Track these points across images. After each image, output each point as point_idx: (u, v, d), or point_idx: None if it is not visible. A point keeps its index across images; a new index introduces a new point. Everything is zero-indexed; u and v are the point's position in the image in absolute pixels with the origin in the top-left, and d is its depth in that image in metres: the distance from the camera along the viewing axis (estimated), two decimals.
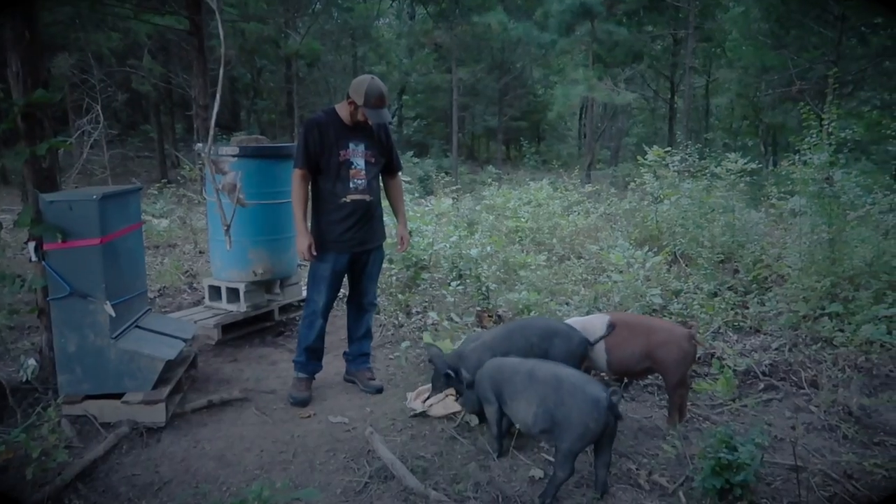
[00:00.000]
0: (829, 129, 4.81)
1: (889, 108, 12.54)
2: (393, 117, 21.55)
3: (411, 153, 18.21)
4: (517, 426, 2.85)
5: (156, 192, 10.42)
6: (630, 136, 25.23)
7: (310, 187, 3.46)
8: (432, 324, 4.63)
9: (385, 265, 4.55)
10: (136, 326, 3.51)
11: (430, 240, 5.64)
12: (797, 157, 5.03)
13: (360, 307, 3.75)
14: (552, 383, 2.59)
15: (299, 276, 4.82)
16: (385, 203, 3.79)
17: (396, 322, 4.85)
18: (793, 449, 2.68)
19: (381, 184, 3.69)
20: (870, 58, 12.85)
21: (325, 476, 2.81)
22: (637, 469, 2.81)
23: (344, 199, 3.40)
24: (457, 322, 4.47)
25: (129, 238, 3.53)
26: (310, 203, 3.49)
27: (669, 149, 7.47)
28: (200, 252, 7.28)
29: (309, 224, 3.48)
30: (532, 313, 4.42)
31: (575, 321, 3.34)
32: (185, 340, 3.64)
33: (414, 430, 3.21)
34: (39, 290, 3.43)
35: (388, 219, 3.97)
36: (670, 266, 5.73)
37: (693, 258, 5.72)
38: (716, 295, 4.93)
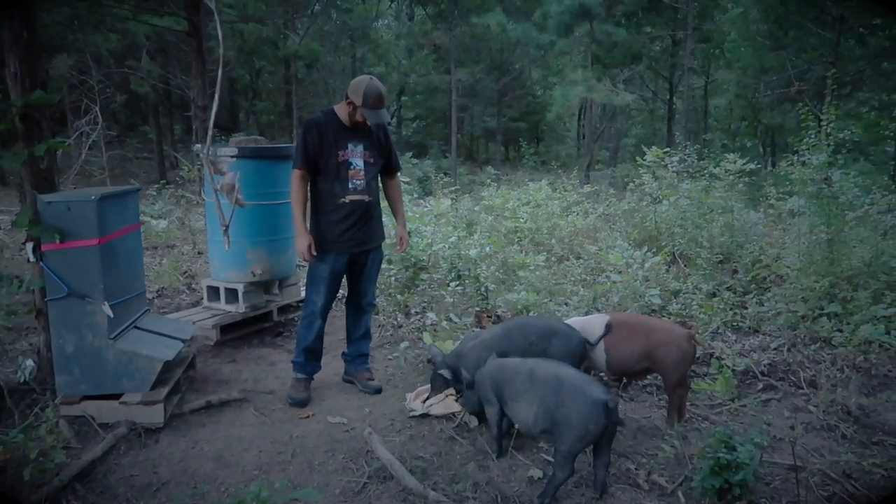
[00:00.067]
0: (828, 130, 4.81)
1: (887, 109, 12.54)
2: (392, 118, 21.66)
3: (410, 154, 18.23)
4: (517, 426, 2.85)
5: (154, 193, 10.42)
6: (629, 136, 25.25)
7: (309, 188, 3.46)
8: (431, 324, 4.63)
9: (384, 266, 4.55)
10: (135, 327, 3.51)
11: (429, 240, 5.64)
12: (796, 157, 5.04)
13: (358, 308, 3.74)
14: (553, 384, 2.59)
15: (298, 276, 4.81)
16: (384, 204, 3.79)
17: (395, 322, 4.84)
18: (792, 448, 2.68)
19: (380, 184, 3.69)
20: (868, 59, 12.87)
21: (323, 476, 2.80)
22: (636, 469, 2.81)
23: (343, 199, 3.40)
24: (456, 322, 4.47)
25: (127, 239, 3.53)
26: (309, 203, 3.49)
27: (668, 149, 7.48)
28: (199, 253, 7.28)
29: (308, 224, 3.48)
30: (531, 313, 4.42)
31: (574, 321, 3.34)
32: (183, 341, 3.64)
33: (413, 431, 3.21)
34: (37, 291, 3.42)
35: (387, 219, 3.97)
36: (669, 266, 5.73)
37: (692, 258, 5.73)
38: (714, 295, 4.93)
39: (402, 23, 26.44)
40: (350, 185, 3.41)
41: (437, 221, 6.80)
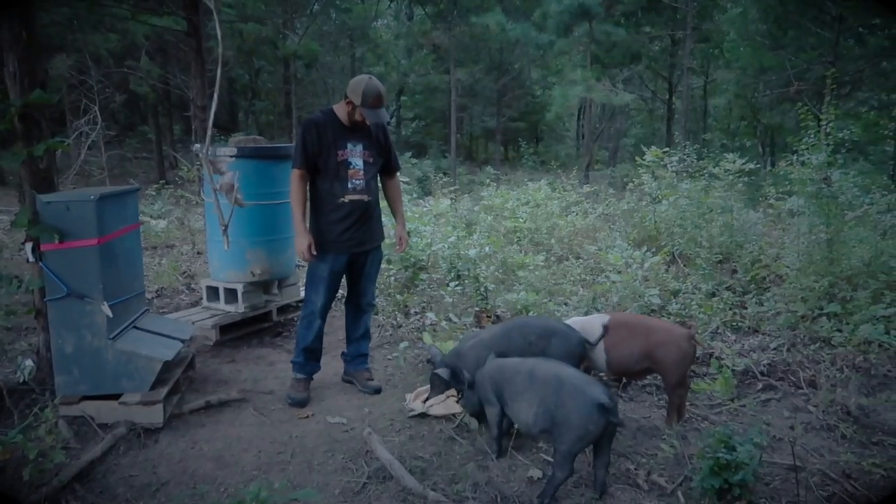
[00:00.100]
0: (827, 130, 4.81)
1: (887, 109, 12.53)
2: (391, 118, 21.67)
3: (410, 154, 18.23)
4: (517, 426, 2.84)
5: (154, 193, 10.41)
6: (628, 136, 25.28)
7: (308, 187, 3.46)
8: (431, 324, 4.63)
9: (383, 266, 4.55)
10: (134, 327, 3.50)
11: (429, 240, 5.64)
12: (795, 157, 5.04)
13: (358, 308, 3.74)
14: (553, 384, 2.59)
15: (297, 276, 4.81)
16: (383, 203, 3.79)
17: (395, 322, 4.84)
18: (791, 448, 2.68)
19: (380, 184, 3.68)
20: (867, 58, 12.89)
21: (323, 476, 2.80)
22: (636, 469, 2.81)
23: (342, 199, 3.40)
24: (455, 322, 4.47)
25: (126, 239, 3.52)
26: (308, 203, 3.48)
27: (667, 149, 7.48)
28: (198, 253, 7.27)
29: (307, 224, 3.47)
30: (530, 313, 4.41)
31: (574, 321, 3.34)
32: (182, 341, 3.64)
33: (412, 431, 3.21)
34: (37, 291, 3.41)
35: (386, 219, 3.97)
36: (668, 266, 5.73)
37: (691, 258, 5.72)
38: (714, 295, 4.93)
39: (401, 22, 26.44)
40: (349, 185, 3.40)
41: (436, 221, 6.80)
